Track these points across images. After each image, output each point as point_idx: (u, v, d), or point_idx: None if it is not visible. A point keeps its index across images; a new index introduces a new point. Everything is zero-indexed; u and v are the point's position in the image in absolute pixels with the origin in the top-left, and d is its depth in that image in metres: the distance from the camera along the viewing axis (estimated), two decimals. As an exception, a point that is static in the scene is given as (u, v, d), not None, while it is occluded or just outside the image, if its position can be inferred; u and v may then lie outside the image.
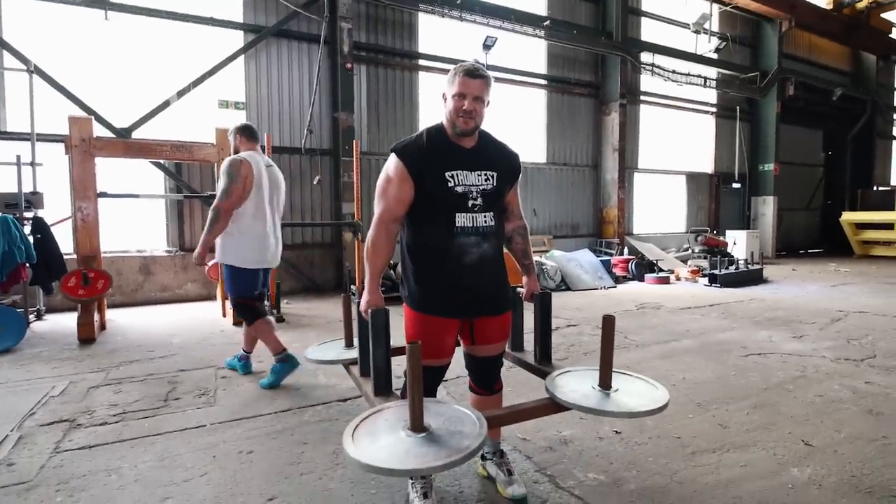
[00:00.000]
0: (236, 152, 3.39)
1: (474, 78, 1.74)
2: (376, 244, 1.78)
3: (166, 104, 6.71)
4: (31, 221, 4.96)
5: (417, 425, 1.35)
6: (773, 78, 12.49)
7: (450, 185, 1.75)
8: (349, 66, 7.37)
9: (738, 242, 10.89)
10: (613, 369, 1.73)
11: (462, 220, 1.75)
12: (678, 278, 8.72)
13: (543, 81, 9.93)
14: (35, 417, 2.86)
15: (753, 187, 13.21)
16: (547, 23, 9.15)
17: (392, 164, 1.78)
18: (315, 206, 7.73)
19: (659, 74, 10.67)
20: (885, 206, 13.06)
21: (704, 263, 9.21)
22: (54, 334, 4.89)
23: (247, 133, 3.43)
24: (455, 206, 1.75)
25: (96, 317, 4.87)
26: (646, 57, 10.64)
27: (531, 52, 9.76)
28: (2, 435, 2.62)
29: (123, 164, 6.36)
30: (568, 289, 7.75)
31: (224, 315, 5.70)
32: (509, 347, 2.18)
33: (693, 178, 12.57)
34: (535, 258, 8.63)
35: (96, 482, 2.18)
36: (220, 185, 3.18)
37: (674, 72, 10.90)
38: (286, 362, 3.38)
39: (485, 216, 1.79)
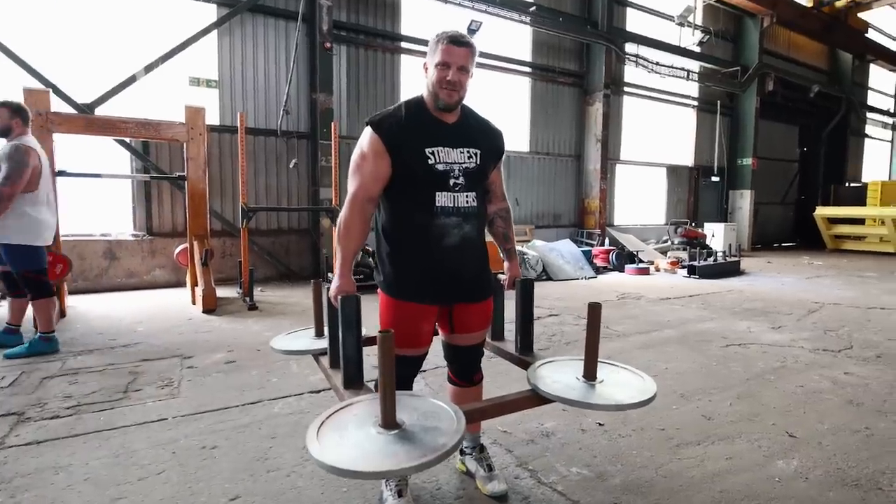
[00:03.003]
0: (5, 133, 3.45)
1: (459, 46, 1.59)
2: (349, 225, 1.63)
3: (132, 79, 6.35)
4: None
5: (389, 421, 1.22)
6: (753, 73, 12.61)
7: (430, 162, 1.61)
8: (328, 45, 7.09)
9: (716, 235, 11.03)
10: (598, 359, 1.62)
11: (442, 199, 1.62)
12: (658, 269, 8.77)
13: (528, 69, 9.78)
14: (-21, 411, 2.64)
15: (731, 181, 13.39)
16: (533, 9, 8.99)
17: (367, 138, 1.63)
18: (291, 190, 7.48)
19: (643, 66, 10.64)
20: (856, 202, 13.41)
21: (683, 255, 9.29)
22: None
23: (23, 116, 3.50)
24: (435, 184, 1.61)
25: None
26: (630, 48, 10.59)
27: (516, 38, 9.59)
28: (-62, 430, 2.40)
29: (87, 142, 6.01)
30: (549, 279, 7.71)
31: (194, 303, 5.47)
32: (489, 336, 2.06)
33: (674, 171, 12.66)
34: (517, 248, 8.54)
35: (42, 481, 2.00)
36: (4, 171, 3.27)
37: (657, 63, 10.89)
38: (50, 342, 3.63)
39: (467, 196, 1.66)
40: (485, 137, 1.75)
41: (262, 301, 5.65)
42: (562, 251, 8.34)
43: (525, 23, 8.94)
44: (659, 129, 12.18)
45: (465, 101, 1.74)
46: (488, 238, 1.88)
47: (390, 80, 8.19)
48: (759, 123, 13.09)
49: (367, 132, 1.63)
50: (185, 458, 2.17)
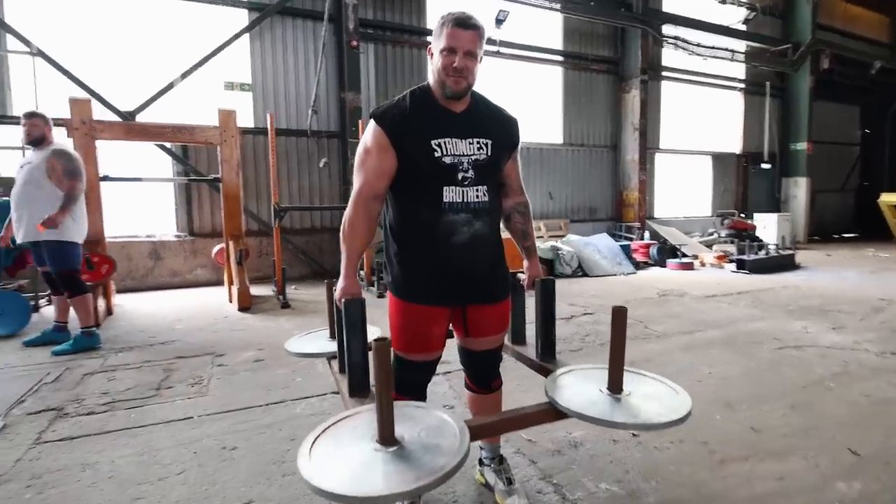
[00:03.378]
0: (41, 141, 3.65)
1: (466, 28, 1.46)
2: (353, 224, 1.54)
3: (170, 86, 6.56)
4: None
5: (386, 437, 1.12)
6: (806, 50, 11.70)
7: (436, 154, 1.49)
8: (354, 43, 7.08)
9: (767, 226, 10.32)
10: (626, 368, 1.46)
11: (450, 194, 1.50)
12: (703, 264, 8.30)
13: (559, 58, 9.46)
14: (24, 405, 2.76)
15: (784, 168, 12.51)
16: (564, -6, 8.65)
17: (371, 131, 1.54)
18: (323, 189, 7.54)
19: (683, 48, 10.07)
20: (928, 187, 12.23)
21: (732, 248, 8.73)
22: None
23: (51, 125, 3.73)
24: (442, 178, 1.50)
25: (101, 302, 4.80)
26: (668, 30, 10.03)
27: (546, 26, 9.28)
28: (-15, 425, 2.51)
29: (133, 148, 6.26)
30: (585, 275, 7.43)
31: (231, 301, 5.59)
32: (509, 340, 1.93)
33: (719, 159, 11.96)
34: (551, 243, 8.33)
35: (69, 478, 2.03)
36: (67, 173, 3.59)
37: (699, 45, 10.27)
38: (92, 337, 3.78)
39: (477, 190, 1.53)
40: (497, 126, 1.61)
41: (295, 299, 5.72)
42: (598, 246, 8.03)
43: (555, 10, 8.63)
44: (702, 115, 11.53)
45: (476, 88, 1.61)
46: (506, 235, 1.75)
47: (417, 75, 8.10)
48: (814, 104, 12.15)
49: (371, 125, 1.54)
50: (205, 459, 2.16)
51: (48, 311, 5.19)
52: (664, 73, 10.62)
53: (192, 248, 6.85)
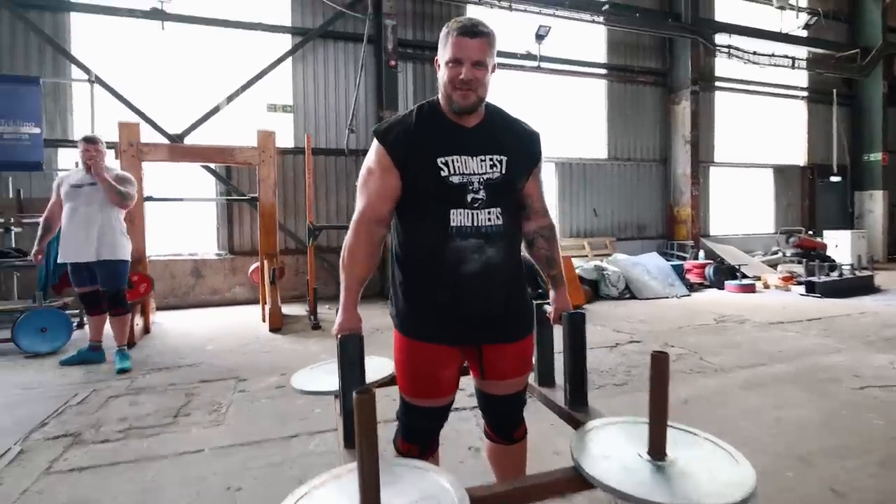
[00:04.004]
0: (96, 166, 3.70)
1: (472, 37, 1.30)
2: (353, 251, 1.38)
3: (216, 109, 6.81)
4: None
5: (368, 512, 0.92)
6: (876, 55, 10.76)
7: (443, 174, 1.32)
8: (393, 63, 7.12)
9: (839, 244, 9.42)
10: (672, 424, 1.20)
11: (458, 218, 1.32)
12: (766, 286, 7.62)
13: (603, 70, 9.15)
14: (45, 429, 2.76)
15: (857, 180, 11.46)
16: (606, 7, 8.39)
17: (373, 150, 1.39)
18: (360, 208, 7.55)
19: (737, 56, 9.50)
20: None
21: (799, 269, 7.98)
22: (108, 341, 4.98)
23: None
24: (449, 200, 1.33)
25: (139, 320, 4.91)
26: (721, 38, 9.51)
27: (589, 39, 9.03)
28: (5, 447, 2.52)
29: (182, 169, 6.51)
30: (633, 297, 6.98)
31: (264, 320, 5.60)
32: (535, 380, 1.69)
33: (781, 172, 11.12)
34: (596, 262, 7.89)
35: (68, 514, 1.95)
36: (131, 191, 3.83)
37: (755, 53, 9.66)
38: (124, 355, 3.90)
39: (489, 213, 1.34)
40: (513, 141, 1.42)
41: (326, 320, 5.65)
42: (648, 266, 7.55)
43: (598, 23, 8.38)
44: (761, 126, 10.79)
45: (491, 99, 1.43)
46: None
47: (457, 93, 8.03)
48: (889, 112, 11.12)
49: (374, 144, 1.39)
50: (206, 500, 2.03)
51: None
52: (717, 84, 10.06)
53: (232, 266, 7.00)
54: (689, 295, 7.16)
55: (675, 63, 9.43)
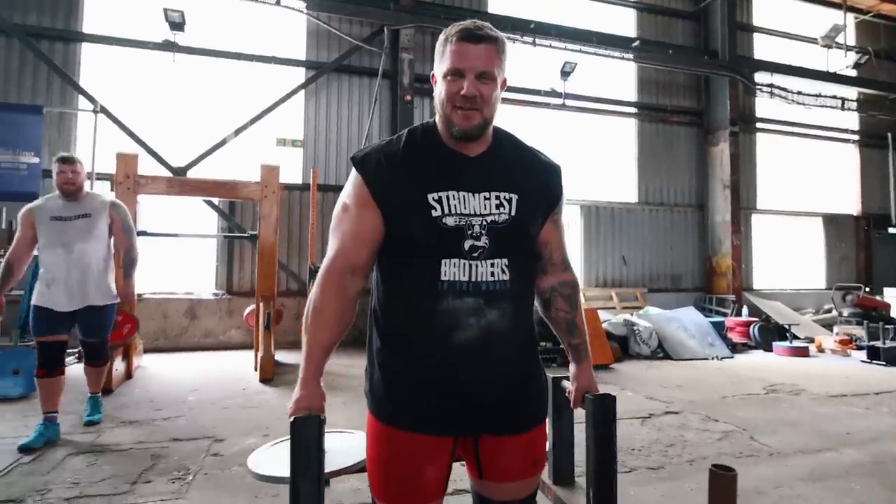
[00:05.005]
0: (80, 190, 3.33)
1: (477, 42, 1.11)
2: (319, 309, 1.15)
3: (223, 142, 6.91)
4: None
5: None
6: (937, 97, 10.52)
7: (434, 213, 1.11)
8: (409, 98, 7.18)
9: (904, 304, 8.84)
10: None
11: (451, 270, 1.10)
12: (821, 349, 7.10)
13: (633, 109, 9.10)
14: (-14, 492, 2.53)
15: (919, 233, 10.94)
16: (636, 43, 8.43)
17: (350, 181, 1.20)
18: (369, 249, 7.43)
19: (780, 96, 9.36)
20: None
21: (859, 331, 7.45)
22: (77, 381, 4.79)
23: None
24: (441, 248, 1.10)
25: (120, 364, 4.74)
26: (762, 77, 9.42)
27: (618, 76, 9.04)
28: (-68, 516, 2.29)
29: (184, 203, 6.52)
30: (667, 357, 6.55)
31: (256, 369, 5.37)
32: (549, 478, 1.40)
33: (832, 221, 10.69)
34: (625, 316, 7.49)
35: None
36: (134, 228, 3.57)
37: (799, 93, 9.52)
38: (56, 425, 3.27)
39: (492, 265, 1.11)
40: (527, 175, 1.21)
41: (325, 371, 5.39)
42: (684, 322, 7.14)
43: (628, 59, 8.40)
44: (809, 171, 10.50)
45: (499, 123, 1.24)
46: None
47: (476, 130, 8.03)
48: (954, 159, 10.74)
49: (351, 174, 1.20)
50: None
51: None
52: (759, 125, 9.90)
53: (229, 307, 6.87)
54: (731, 357, 6.70)
55: (712, 102, 9.33)
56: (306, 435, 1.09)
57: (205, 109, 7.02)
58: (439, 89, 1.15)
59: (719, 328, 7.26)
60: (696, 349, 6.69)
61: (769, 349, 7.08)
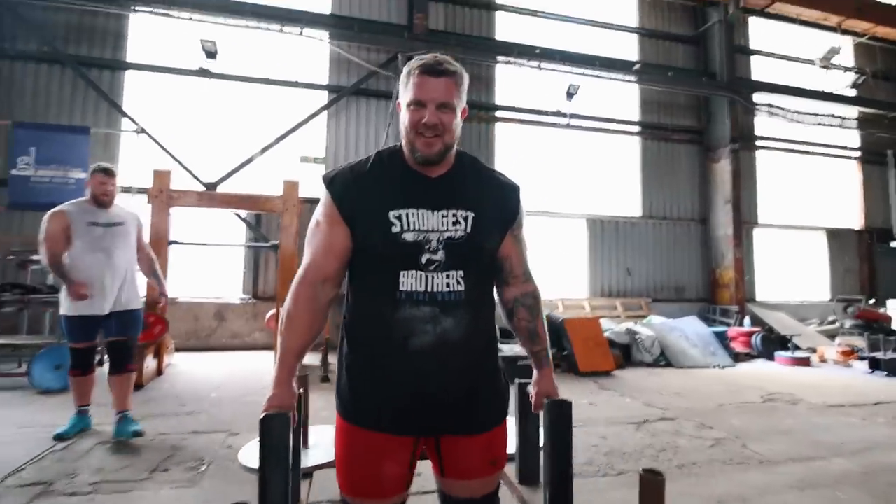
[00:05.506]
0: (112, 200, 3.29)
1: (437, 76, 1.15)
2: (291, 316, 1.19)
3: (251, 159, 7.08)
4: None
5: None
6: (935, 115, 10.15)
7: (395, 229, 1.15)
8: (422, 118, 7.25)
9: (906, 316, 8.47)
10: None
11: (409, 281, 1.13)
12: (823, 360, 6.85)
13: (636, 128, 9.01)
14: (21, 475, 2.63)
15: (922, 247, 10.51)
16: (637, 66, 8.38)
17: (321, 200, 1.24)
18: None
19: (778, 115, 9.15)
20: None
21: (860, 342, 7.16)
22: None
23: None
24: (399, 260, 1.14)
25: (150, 362, 4.86)
26: (760, 97, 9.24)
27: (622, 98, 8.99)
28: (-30, 495, 2.38)
29: (216, 215, 6.70)
30: (669, 365, 6.40)
31: (275, 369, 5.44)
32: (516, 478, 1.39)
33: (835, 236, 10.35)
34: (628, 325, 7.33)
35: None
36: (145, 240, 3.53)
37: (797, 112, 9.30)
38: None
39: (447, 276, 1.15)
40: (485, 195, 1.24)
41: (329, 369, 5.44)
42: (686, 331, 6.97)
43: (630, 81, 8.35)
44: (810, 187, 10.23)
45: (466, 148, 1.26)
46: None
47: (485, 147, 8.08)
48: (956, 174, 10.31)
49: (322, 193, 1.23)
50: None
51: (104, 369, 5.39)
52: (759, 143, 9.69)
53: (254, 311, 6.98)
54: (733, 366, 6.51)
55: (713, 121, 9.19)
56: (275, 430, 1.11)
57: (235, 129, 7.23)
58: (404, 117, 1.19)
59: (722, 338, 7.07)
60: (697, 358, 6.52)
61: (771, 359, 6.86)
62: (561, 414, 1.20)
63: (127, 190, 6.47)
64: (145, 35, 7.03)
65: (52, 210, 3.14)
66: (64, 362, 4.39)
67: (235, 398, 4.32)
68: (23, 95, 6.51)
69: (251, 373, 5.37)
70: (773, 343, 7.18)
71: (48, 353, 4.40)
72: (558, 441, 1.20)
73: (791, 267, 9.97)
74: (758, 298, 9.42)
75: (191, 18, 6.76)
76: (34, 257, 5.32)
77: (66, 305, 3.11)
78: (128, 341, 3.33)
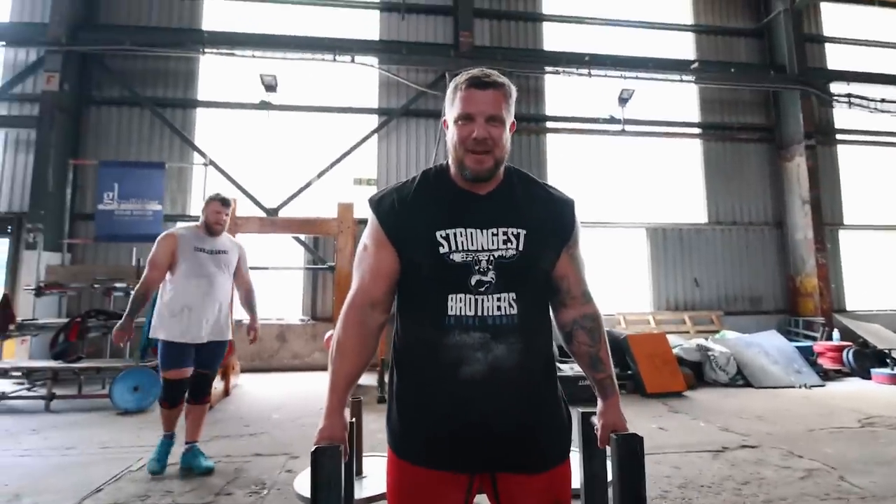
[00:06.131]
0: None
1: (484, 88, 1.10)
2: (341, 342, 1.14)
3: (308, 184, 7.37)
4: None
5: None
6: None
7: (442, 250, 1.09)
8: (470, 135, 7.28)
9: None
10: None
11: (457, 305, 1.06)
12: (932, 378, 6.02)
13: (697, 130, 8.53)
14: (98, 495, 2.77)
15: None
16: (695, 65, 7.97)
17: (368, 223, 1.20)
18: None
19: (860, 105, 8.33)
20: None
21: (979, 357, 6.25)
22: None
23: None
24: (448, 283, 1.07)
25: (218, 383, 5.08)
26: (838, 87, 8.48)
27: (679, 99, 8.56)
28: (54, 515, 2.54)
29: (276, 240, 7.03)
30: (747, 384, 5.87)
31: (333, 389, 5.54)
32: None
33: (938, 235, 9.19)
34: (699, 340, 6.80)
35: None
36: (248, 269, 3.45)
37: (883, 100, 8.41)
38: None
39: (499, 300, 1.07)
40: (536, 210, 1.15)
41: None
42: (765, 346, 6.39)
43: (688, 81, 7.94)
44: (902, 182, 9.17)
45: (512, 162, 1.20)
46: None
47: (536, 160, 7.94)
48: None
49: (369, 215, 1.21)
50: None
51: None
52: (839, 136, 8.85)
53: (313, 331, 7.18)
54: (822, 385, 5.86)
55: (783, 117, 8.51)
56: (326, 464, 1.06)
57: (293, 156, 7.58)
58: (451, 133, 1.14)
59: (807, 353, 6.42)
60: (780, 376, 5.94)
61: (867, 377, 6.12)
62: (631, 451, 1.08)
63: (195, 219, 6.93)
64: (212, 74, 7.58)
65: (165, 232, 3.17)
66: (141, 384, 4.69)
67: (295, 419, 4.41)
68: (108, 136, 7.20)
69: (310, 393, 5.47)
70: (868, 359, 6.42)
71: (127, 376, 4.69)
72: (629, 481, 1.07)
73: (886, 272, 8.94)
74: (847, 308, 8.50)
75: (252, 56, 7.24)
76: (117, 285, 5.81)
77: (165, 331, 3.01)
78: (210, 374, 3.25)
